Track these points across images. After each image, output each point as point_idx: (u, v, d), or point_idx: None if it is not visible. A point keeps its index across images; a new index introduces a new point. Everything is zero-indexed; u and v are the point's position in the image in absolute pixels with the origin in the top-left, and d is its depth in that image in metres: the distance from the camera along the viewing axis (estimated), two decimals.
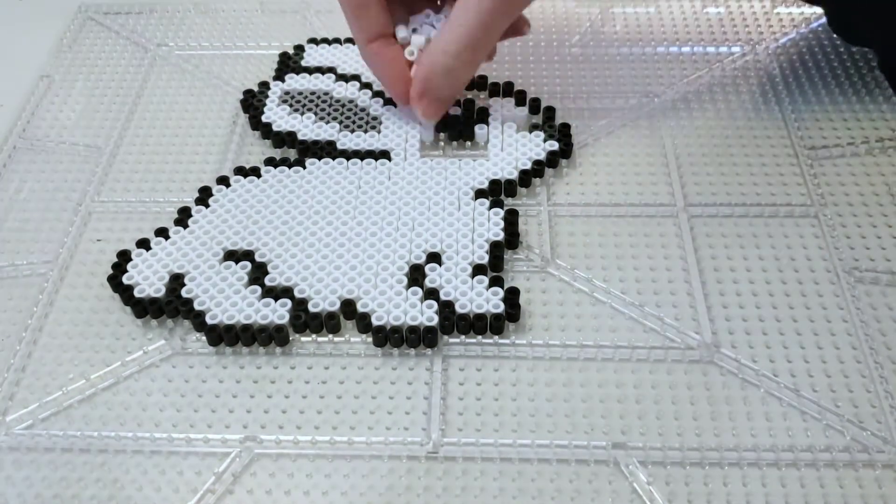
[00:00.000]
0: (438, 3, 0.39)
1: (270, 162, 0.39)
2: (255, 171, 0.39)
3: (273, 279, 0.34)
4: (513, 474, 0.29)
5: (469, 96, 0.42)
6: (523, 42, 0.46)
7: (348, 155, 0.39)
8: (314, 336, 0.33)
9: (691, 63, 0.45)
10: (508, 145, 0.39)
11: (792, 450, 0.29)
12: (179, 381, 0.32)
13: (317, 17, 0.49)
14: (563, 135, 0.40)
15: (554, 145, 0.39)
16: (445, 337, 0.33)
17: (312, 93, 0.42)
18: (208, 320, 0.33)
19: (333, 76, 0.43)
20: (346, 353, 0.33)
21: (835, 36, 0.45)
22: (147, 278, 0.34)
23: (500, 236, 0.36)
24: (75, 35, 0.48)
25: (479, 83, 0.43)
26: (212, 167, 0.40)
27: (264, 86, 0.43)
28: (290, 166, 0.39)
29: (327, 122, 0.41)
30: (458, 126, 0.40)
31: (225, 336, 0.33)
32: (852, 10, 0.41)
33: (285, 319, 0.33)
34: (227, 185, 0.38)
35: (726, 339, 0.33)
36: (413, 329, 0.32)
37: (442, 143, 0.40)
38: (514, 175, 0.38)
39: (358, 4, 0.36)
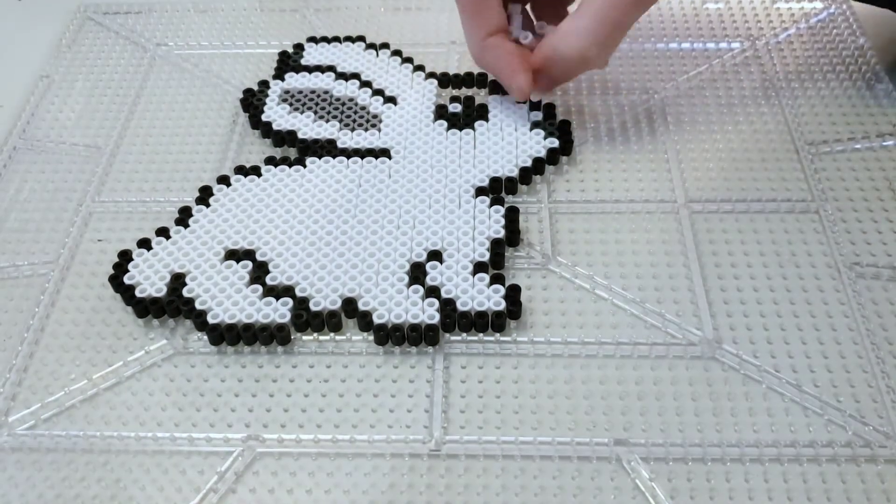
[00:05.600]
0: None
1: (271, 161, 0.39)
2: (256, 171, 0.39)
3: (274, 278, 0.34)
4: (515, 471, 0.29)
5: (469, 93, 0.42)
6: None
7: (348, 153, 0.39)
8: (316, 335, 0.33)
9: (691, 59, 0.45)
10: (509, 143, 0.39)
11: (794, 445, 0.29)
12: (181, 381, 0.32)
13: (316, 15, 0.49)
14: (563, 132, 0.40)
15: (554, 142, 0.39)
16: (447, 335, 0.33)
17: (312, 91, 0.42)
18: (210, 320, 0.33)
19: (333, 75, 0.43)
20: (347, 352, 0.33)
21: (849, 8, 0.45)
22: (148, 278, 0.34)
23: (501, 234, 0.36)
24: (74, 35, 0.48)
25: (480, 80, 0.43)
26: (212, 166, 0.40)
27: (264, 85, 0.43)
28: (290, 165, 0.39)
29: (327, 121, 0.41)
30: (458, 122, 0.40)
31: (226, 335, 0.33)
32: None
33: (287, 318, 0.33)
34: (228, 185, 0.38)
35: (728, 335, 0.33)
36: (414, 327, 0.32)
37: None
38: (515, 172, 0.38)
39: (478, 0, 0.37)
